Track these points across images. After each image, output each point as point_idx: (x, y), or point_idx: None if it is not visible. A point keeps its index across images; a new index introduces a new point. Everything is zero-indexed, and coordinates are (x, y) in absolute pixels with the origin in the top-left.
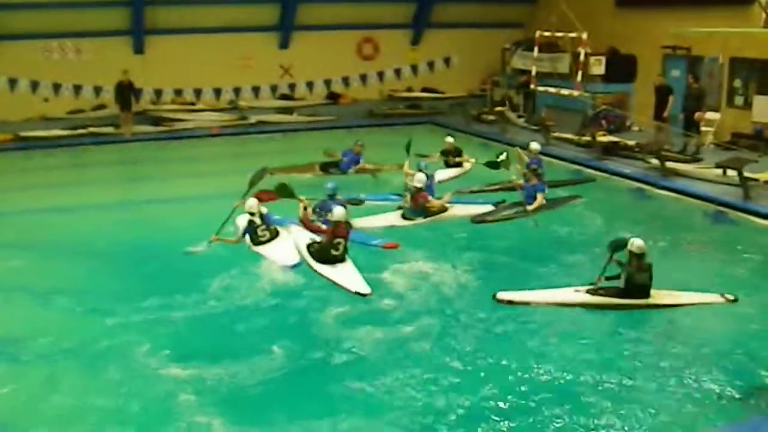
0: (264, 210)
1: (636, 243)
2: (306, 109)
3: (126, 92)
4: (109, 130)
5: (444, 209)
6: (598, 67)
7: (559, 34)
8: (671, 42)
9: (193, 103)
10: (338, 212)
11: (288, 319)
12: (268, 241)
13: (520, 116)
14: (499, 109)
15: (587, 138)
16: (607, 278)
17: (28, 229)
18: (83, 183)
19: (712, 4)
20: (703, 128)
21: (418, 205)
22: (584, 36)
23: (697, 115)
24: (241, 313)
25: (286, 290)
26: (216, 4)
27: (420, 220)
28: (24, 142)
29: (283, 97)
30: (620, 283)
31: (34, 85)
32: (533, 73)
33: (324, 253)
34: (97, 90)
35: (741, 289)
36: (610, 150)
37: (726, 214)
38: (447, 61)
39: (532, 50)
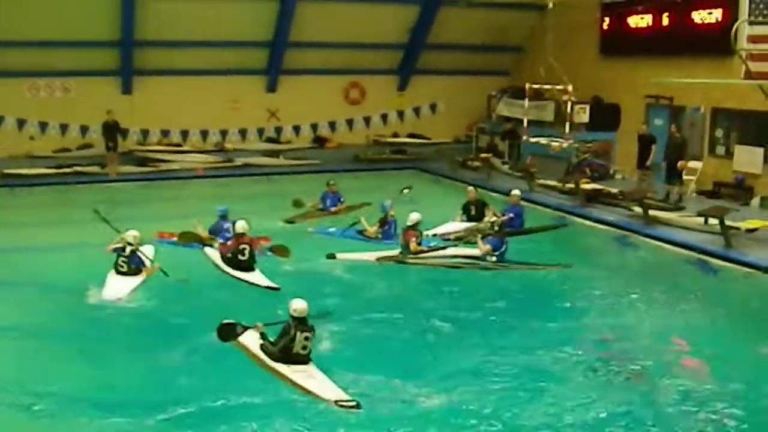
0: (142, 249)
1: (295, 305)
2: (292, 152)
3: (112, 132)
4: (95, 169)
5: (425, 251)
6: (583, 116)
7: (547, 87)
8: (654, 91)
9: (179, 145)
10: (240, 225)
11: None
12: (125, 274)
13: (504, 163)
14: (484, 155)
15: (571, 185)
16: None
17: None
18: (65, 222)
19: (694, 55)
20: (685, 177)
21: (406, 243)
22: (569, 88)
23: (679, 164)
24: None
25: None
26: (204, 47)
27: (409, 258)
28: (8, 179)
29: (270, 140)
30: (275, 350)
31: (21, 123)
32: (525, 123)
33: (233, 260)
34: (84, 129)
35: (703, 338)
36: (594, 197)
37: (707, 262)
38: (433, 107)
39: (517, 98)
